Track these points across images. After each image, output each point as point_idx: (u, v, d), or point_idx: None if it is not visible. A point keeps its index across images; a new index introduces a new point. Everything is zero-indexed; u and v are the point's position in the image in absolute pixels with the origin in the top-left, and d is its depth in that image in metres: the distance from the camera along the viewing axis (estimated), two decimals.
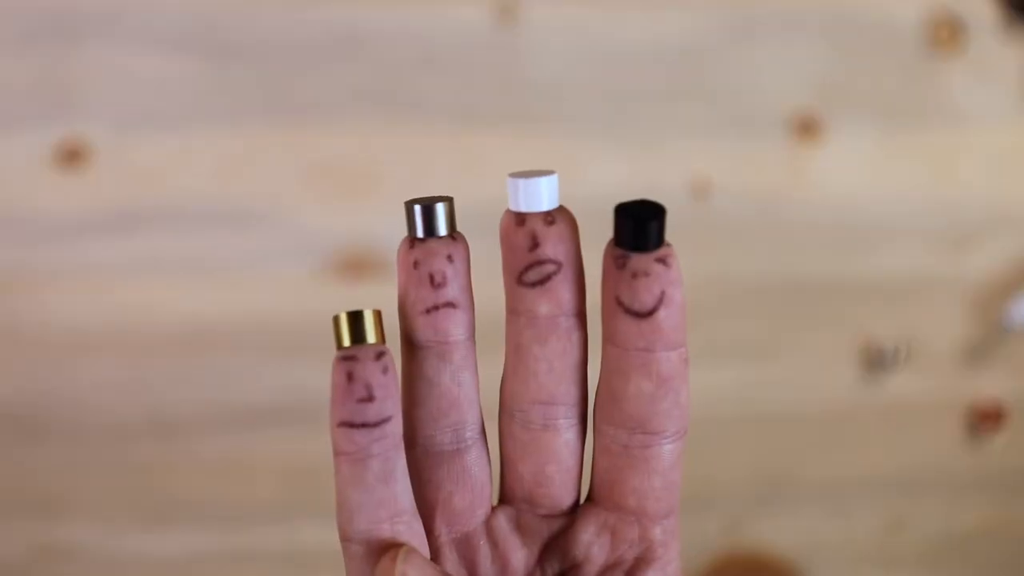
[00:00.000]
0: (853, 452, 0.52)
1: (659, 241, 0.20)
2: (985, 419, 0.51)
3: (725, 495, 0.51)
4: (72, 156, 0.48)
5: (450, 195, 0.21)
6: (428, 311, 0.21)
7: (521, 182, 0.21)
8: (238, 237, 0.49)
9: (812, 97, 0.51)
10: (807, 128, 0.51)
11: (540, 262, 0.21)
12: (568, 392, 0.22)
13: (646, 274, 0.20)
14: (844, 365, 0.51)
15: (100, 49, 0.48)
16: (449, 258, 0.21)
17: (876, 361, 0.51)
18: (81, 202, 0.48)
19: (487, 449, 0.23)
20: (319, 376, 0.49)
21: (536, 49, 0.50)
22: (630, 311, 0.20)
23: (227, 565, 0.50)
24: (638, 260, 0.20)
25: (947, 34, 0.51)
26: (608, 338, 0.21)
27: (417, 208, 0.21)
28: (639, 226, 0.20)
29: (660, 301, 0.20)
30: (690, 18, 0.50)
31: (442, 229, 0.21)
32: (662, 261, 0.20)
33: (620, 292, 0.20)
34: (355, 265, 0.49)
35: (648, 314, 0.20)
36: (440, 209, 0.21)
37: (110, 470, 0.49)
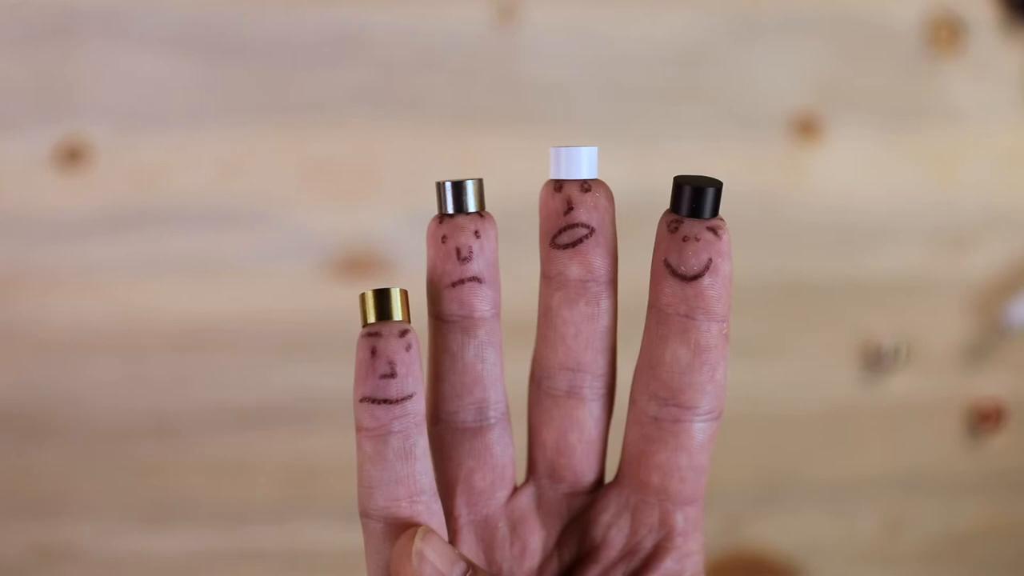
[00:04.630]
0: (853, 452, 0.52)
1: (714, 211, 0.21)
2: (985, 419, 0.51)
3: (725, 495, 0.51)
4: (72, 156, 0.48)
5: (480, 176, 0.22)
6: (454, 284, 0.21)
7: (563, 151, 0.21)
8: (238, 237, 0.49)
9: (812, 97, 0.51)
10: (807, 128, 0.51)
11: (573, 225, 0.21)
12: (594, 360, 0.22)
13: (696, 239, 0.20)
14: (844, 365, 0.51)
15: (100, 49, 0.48)
16: (476, 233, 0.21)
17: (876, 361, 0.51)
18: (81, 202, 0.48)
19: (511, 430, 0.23)
20: (319, 376, 0.49)
21: (536, 49, 0.50)
22: (676, 273, 0.21)
23: (227, 565, 0.50)
24: (690, 225, 0.21)
25: (947, 34, 0.51)
26: (652, 303, 0.21)
27: (447, 184, 0.22)
28: (695, 193, 0.21)
29: (707, 267, 0.20)
30: (690, 18, 0.50)
31: (471, 206, 0.22)
32: (713, 230, 0.20)
33: (669, 254, 0.21)
34: (355, 265, 0.49)
35: (693, 278, 0.20)
36: (470, 186, 0.22)
37: (110, 470, 0.49)
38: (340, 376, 0.48)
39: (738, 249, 0.51)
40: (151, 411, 0.49)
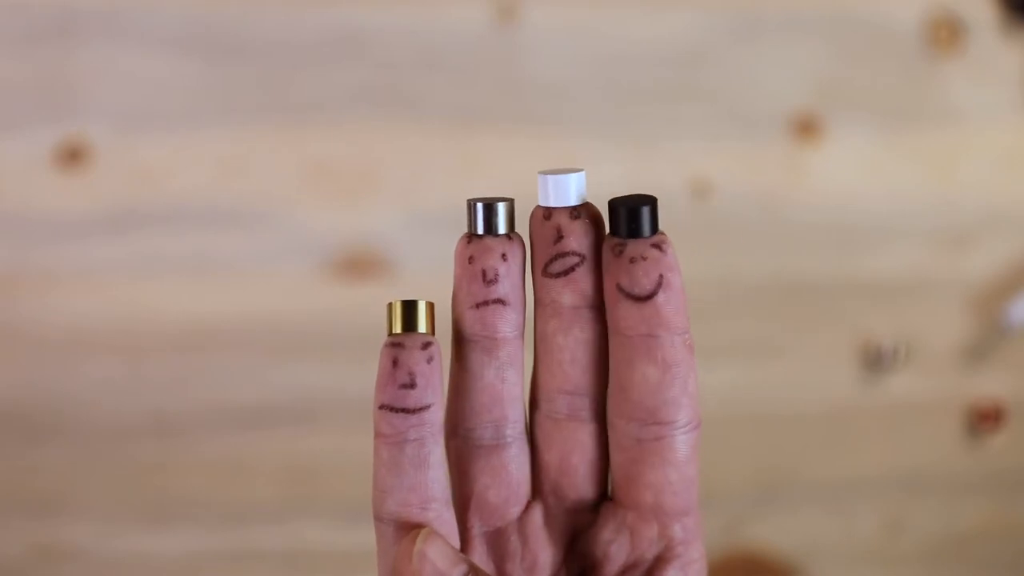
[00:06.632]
0: (853, 452, 0.52)
1: (653, 228, 0.21)
2: (985, 419, 0.51)
3: (725, 495, 0.51)
4: (72, 156, 0.48)
5: (511, 197, 0.22)
6: (478, 306, 0.22)
7: (550, 179, 0.22)
8: (238, 237, 0.49)
9: (812, 97, 0.51)
10: (807, 128, 0.51)
11: (564, 254, 0.22)
12: (592, 382, 0.23)
13: (643, 258, 0.21)
14: (844, 365, 0.51)
15: (101, 49, 0.48)
16: (503, 256, 0.22)
17: (876, 361, 0.51)
18: (81, 202, 0.48)
19: (527, 448, 0.23)
20: (319, 376, 0.49)
21: (536, 49, 0.50)
22: (630, 295, 0.21)
23: (227, 565, 0.50)
24: (634, 245, 0.21)
25: (947, 34, 0.51)
26: (613, 328, 0.22)
27: (479, 205, 0.22)
28: (632, 213, 0.21)
29: (659, 285, 0.21)
30: (690, 18, 0.50)
31: (501, 227, 0.22)
32: (657, 246, 0.21)
33: (620, 278, 0.21)
34: (355, 265, 0.49)
35: (647, 297, 0.21)
36: (501, 208, 0.22)
37: (110, 470, 0.49)
38: (340, 376, 0.48)
39: (738, 249, 0.51)
40: (151, 411, 0.49)
